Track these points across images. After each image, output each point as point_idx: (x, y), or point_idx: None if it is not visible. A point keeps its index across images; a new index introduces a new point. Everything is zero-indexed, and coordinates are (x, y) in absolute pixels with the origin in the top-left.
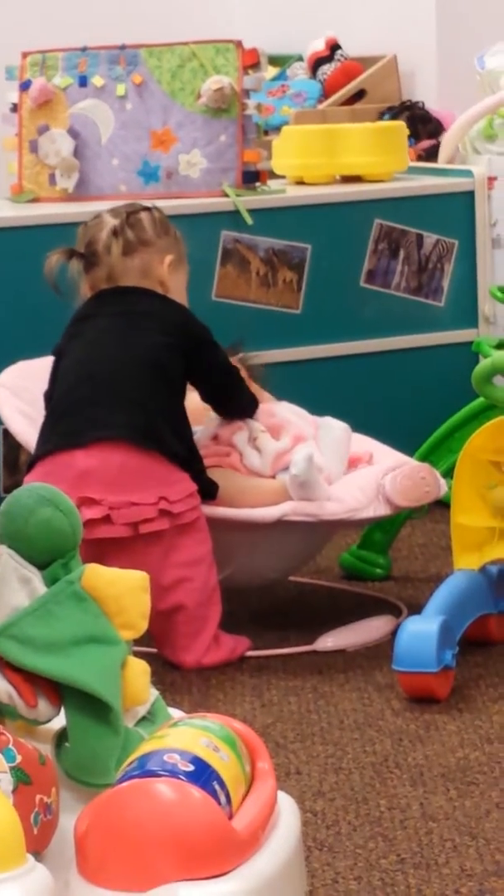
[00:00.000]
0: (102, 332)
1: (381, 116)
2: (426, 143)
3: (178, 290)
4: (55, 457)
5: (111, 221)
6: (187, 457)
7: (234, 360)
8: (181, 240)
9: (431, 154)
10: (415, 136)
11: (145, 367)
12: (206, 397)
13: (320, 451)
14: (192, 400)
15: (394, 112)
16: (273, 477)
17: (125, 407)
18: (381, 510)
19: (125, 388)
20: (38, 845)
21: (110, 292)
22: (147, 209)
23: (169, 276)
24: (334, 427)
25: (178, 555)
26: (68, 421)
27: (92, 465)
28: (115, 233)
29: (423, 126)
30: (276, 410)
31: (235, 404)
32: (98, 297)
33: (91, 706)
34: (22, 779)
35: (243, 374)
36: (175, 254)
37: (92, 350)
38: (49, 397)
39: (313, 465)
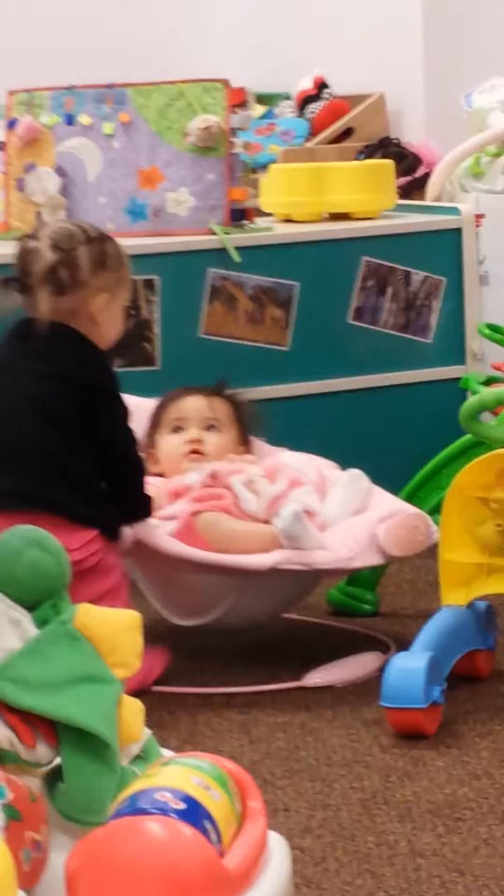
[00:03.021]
0: (9, 377)
1: (357, 156)
2: (402, 181)
3: (110, 321)
4: None
5: (47, 257)
6: (94, 515)
7: (223, 397)
8: (122, 264)
9: (409, 190)
10: None
11: (44, 419)
12: (102, 458)
13: (335, 497)
14: (170, 443)
15: (370, 150)
16: (268, 521)
17: (24, 470)
18: (374, 559)
19: (23, 447)
20: (28, 882)
21: (24, 330)
22: (88, 241)
23: (100, 312)
24: (360, 482)
25: (79, 597)
26: None
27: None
28: (47, 273)
29: (399, 163)
30: (275, 456)
31: (130, 482)
32: (13, 334)
33: (88, 745)
34: (13, 815)
35: (231, 413)
36: (111, 290)
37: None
38: None
39: (300, 520)
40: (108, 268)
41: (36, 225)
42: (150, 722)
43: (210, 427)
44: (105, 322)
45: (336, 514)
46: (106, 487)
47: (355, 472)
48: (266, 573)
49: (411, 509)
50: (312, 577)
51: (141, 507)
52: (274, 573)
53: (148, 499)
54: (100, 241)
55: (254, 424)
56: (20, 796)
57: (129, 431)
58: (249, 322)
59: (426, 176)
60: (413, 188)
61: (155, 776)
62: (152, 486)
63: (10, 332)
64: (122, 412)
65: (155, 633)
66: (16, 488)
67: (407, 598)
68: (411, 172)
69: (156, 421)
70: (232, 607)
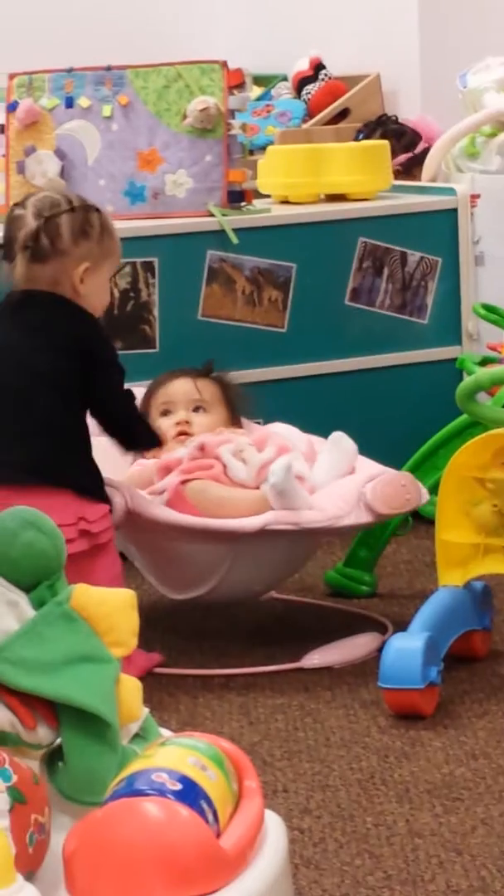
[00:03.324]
0: (4, 347)
1: (356, 137)
2: (402, 158)
3: (94, 292)
4: None
5: (30, 224)
6: (101, 491)
7: (210, 379)
8: (108, 236)
9: (409, 167)
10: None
11: (47, 389)
12: (100, 422)
13: (322, 462)
14: (159, 428)
15: (368, 130)
16: (257, 488)
17: (33, 444)
18: (363, 518)
19: (30, 417)
20: (32, 865)
21: (17, 300)
22: (71, 210)
23: (83, 283)
24: (343, 443)
25: (96, 577)
26: None
27: (6, 496)
28: (27, 240)
29: (398, 140)
30: (262, 427)
31: (129, 435)
32: (5, 304)
33: (88, 725)
34: (18, 798)
35: (219, 393)
36: (93, 259)
37: None
38: None
39: (291, 473)
40: (90, 237)
41: (26, 195)
42: (150, 704)
43: (197, 408)
44: (88, 293)
45: (324, 478)
46: (114, 444)
47: (338, 434)
48: (257, 535)
49: (399, 471)
50: (304, 544)
51: (152, 438)
52: (265, 538)
53: (155, 433)
54: (83, 211)
55: (242, 405)
56: (24, 779)
57: (127, 392)
58: (247, 304)
59: (426, 151)
60: (414, 164)
61: (152, 757)
62: (142, 465)
63: (2, 306)
64: (119, 373)
65: (154, 615)
66: (26, 461)
67: (404, 579)
68: (411, 149)
69: (145, 407)
70: (226, 577)
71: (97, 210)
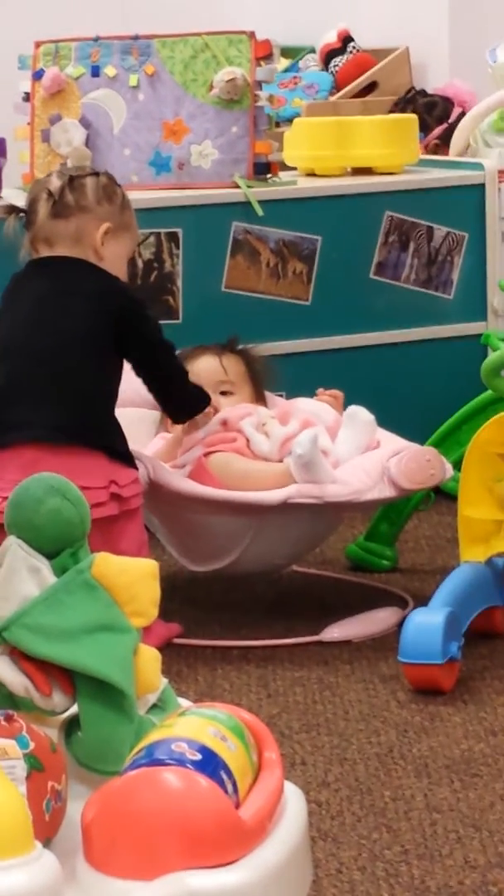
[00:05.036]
0: (35, 309)
1: (391, 112)
2: (438, 130)
3: (113, 261)
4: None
5: (55, 183)
6: (130, 455)
7: (236, 354)
8: (129, 211)
9: (447, 138)
10: (423, 129)
11: (77, 350)
12: (144, 379)
13: (341, 436)
14: None
15: (401, 105)
16: (280, 461)
17: (67, 404)
18: (386, 492)
19: (60, 379)
20: (49, 832)
21: (42, 263)
22: (96, 174)
23: (103, 245)
24: (360, 416)
25: (124, 542)
26: (16, 411)
27: (40, 456)
28: (51, 194)
29: (430, 114)
30: (287, 401)
31: (177, 390)
32: (28, 268)
33: (105, 694)
34: (35, 766)
35: (245, 371)
36: (115, 223)
37: (27, 330)
38: None
39: (317, 445)
40: (113, 202)
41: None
42: (169, 675)
43: (224, 392)
44: (109, 259)
45: (346, 453)
46: (157, 400)
47: (354, 408)
48: (279, 508)
49: (423, 446)
50: (327, 517)
51: (198, 395)
52: (288, 512)
53: (202, 390)
54: (109, 179)
55: (267, 379)
56: (41, 746)
57: (167, 344)
58: (271, 276)
59: (461, 116)
60: (451, 134)
61: (171, 727)
62: (164, 438)
63: (24, 273)
64: (156, 326)
65: (173, 586)
66: (58, 422)
67: (425, 555)
68: (445, 119)
69: None
70: (247, 550)
71: (121, 187)
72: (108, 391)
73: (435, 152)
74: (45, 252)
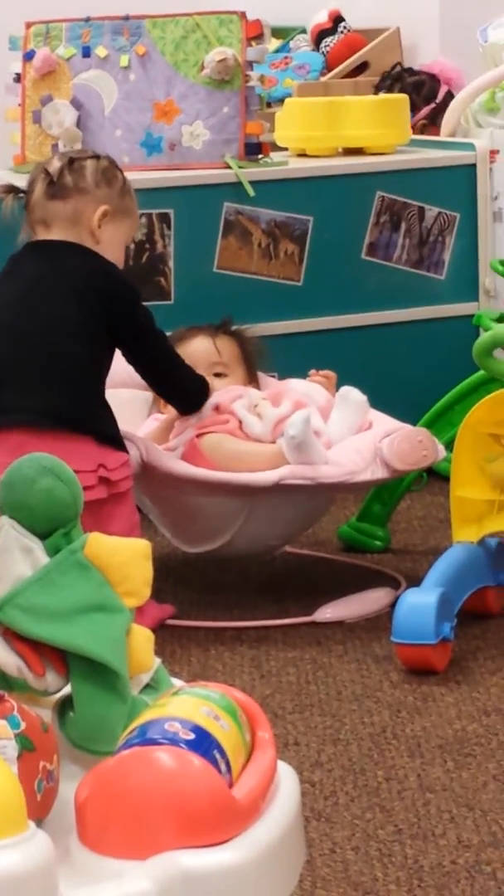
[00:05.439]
0: (26, 291)
1: (377, 91)
2: (425, 110)
3: (111, 245)
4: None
5: (54, 164)
6: (120, 438)
7: (229, 335)
8: (130, 196)
9: (434, 117)
10: (412, 108)
11: (67, 335)
12: (138, 370)
13: (334, 417)
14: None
15: (386, 86)
16: (273, 442)
17: (55, 388)
18: (379, 473)
19: (50, 363)
20: (40, 812)
21: (38, 246)
22: (97, 157)
23: (100, 228)
24: (352, 396)
25: (114, 525)
26: (3, 395)
27: (26, 440)
28: (49, 175)
29: (418, 93)
30: (279, 381)
31: (177, 380)
32: (24, 250)
33: (98, 674)
34: (26, 746)
35: (238, 352)
36: (113, 206)
37: (16, 312)
38: None
39: (310, 426)
40: (112, 186)
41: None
42: (162, 656)
43: (218, 374)
44: (106, 243)
45: (339, 434)
46: (156, 391)
47: (346, 389)
48: (272, 490)
49: (415, 427)
50: (319, 498)
51: (197, 385)
52: (280, 492)
53: (201, 379)
54: (110, 163)
55: (260, 360)
56: (33, 726)
57: (158, 333)
58: (263, 257)
59: (448, 97)
60: (438, 113)
61: (165, 706)
62: (157, 419)
63: (20, 255)
64: (147, 315)
65: (167, 567)
66: (46, 406)
67: (418, 535)
68: (433, 98)
69: None
70: (240, 531)
71: (122, 172)
72: (98, 376)
73: (423, 132)
74: (42, 233)
